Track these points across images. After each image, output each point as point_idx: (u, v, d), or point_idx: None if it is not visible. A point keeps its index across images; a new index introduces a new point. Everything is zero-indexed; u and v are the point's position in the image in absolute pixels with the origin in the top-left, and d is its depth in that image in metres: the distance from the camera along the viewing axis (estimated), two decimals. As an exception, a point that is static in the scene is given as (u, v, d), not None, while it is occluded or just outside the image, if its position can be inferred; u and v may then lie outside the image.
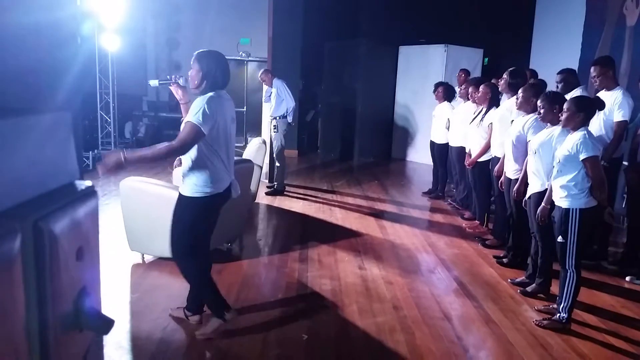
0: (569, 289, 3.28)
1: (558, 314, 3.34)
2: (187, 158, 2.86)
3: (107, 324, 1.26)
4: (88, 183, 1.33)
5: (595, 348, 3.12)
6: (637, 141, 4.19)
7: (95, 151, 8.38)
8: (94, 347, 1.36)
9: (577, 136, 3.20)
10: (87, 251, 1.23)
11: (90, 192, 1.29)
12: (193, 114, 2.72)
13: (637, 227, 4.28)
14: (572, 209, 3.21)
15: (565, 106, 3.29)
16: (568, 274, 3.28)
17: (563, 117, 3.28)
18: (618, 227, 4.67)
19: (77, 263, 1.17)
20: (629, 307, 3.73)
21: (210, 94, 2.80)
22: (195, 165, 2.83)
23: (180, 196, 2.92)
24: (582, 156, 3.14)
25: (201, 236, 3.03)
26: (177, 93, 3.05)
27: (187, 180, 2.88)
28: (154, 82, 3.14)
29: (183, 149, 2.74)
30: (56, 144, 1.21)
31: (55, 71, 1.26)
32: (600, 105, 3.37)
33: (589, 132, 3.25)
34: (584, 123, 3.25)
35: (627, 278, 4.23)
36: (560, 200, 3.27)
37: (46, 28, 1.23)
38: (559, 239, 3.27)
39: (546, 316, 3.43)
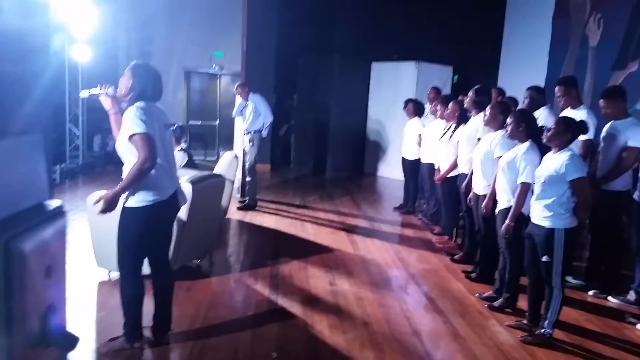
0: (555, 305, 3.31)
1: (542, 330, 3.37)
2: (127, 169, 2.86)
3: (72, 341, 1.26)
4: (57, 203, 1.33)
5: (560, 362, 3.18)
6: (597, 159, 4.32)
7: (63, 164, 8.21)
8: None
9: (563, 157, 3.21)
10: (55, 269, 1.23)
11: (59, 212, 1.29)
12: (131, 125, 2.74)
13: (599, 242, 4.39)
14: (557, 229, 3.23)
15: (552, 123, 3.34)
16: (554, 291, 3.31)
17: (549, 134, 3.30)
18: (582, 243, 4.78)
19: (45, 281, 1.16)
20: (592, 321, 3.81)
21: (138, 103, 2.83)
22: None
23: (124, 208, 2.89)
24: (570, 177, 3.17)
25: (149, 248, 3.03)
26: (106, 102, 3.04)
27: (128, 192, 2.86)
28: (84, 93, 3.11)
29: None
30: (27, 166, 1.21)
31: (25, 89, 1.25)
32: (584, 130, 3.37)
33: (574, 153, 3.29)
34: (569, 143, 3.28)
35: (591, 292, 4.32)
36: (544, 219, 3.28)
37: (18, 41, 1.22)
38: (545, 258, 3.28)
39: (522, 333, 3.47)
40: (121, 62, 10.49)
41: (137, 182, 2.77)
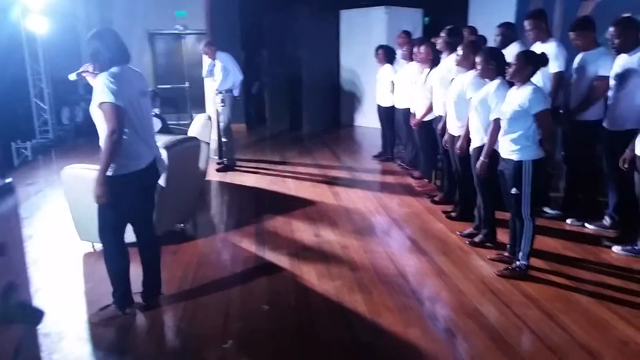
0: (527, 237, 3.42)
1: (517, 262, 3.48)
2: (102, 135, 2.84)
3: (37, 316, 1.26)
4: (6, 180, 1.30)
5: (541, 288, 3.31)
6: (569, 90, 4.36)
7: (33, 140, 8.00)
8: (27, 339, 1.35)
9: (526, 91, 3.26)
10: (10, 246, 1.21)
11: (8, 189, 1.26)
12: (100, 94, 2.71)
13: (574, 172, 4.49)
14: (525, 161, 3.30)
15: (513, 59, 3.35)
16: (525, 223, 3.41)
17: (510, 70, 3.33)
18: (558, 174, 4.89)
19: (1, 259, 1.14)
20: (570, 248, 3.95)
21: (112, 69, 2.77)
22: None
23: None
24: (534, 110, 3.22)
25: (132, 217, 3.04)
26: (91, 80, 3.00)
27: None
28: (72, 76, 3.13)
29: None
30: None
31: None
32: (544, 61, 3.42)
33: (536, 86, 3.33)
34: (531, 77, 3.32)
35: (568, 221, 4.45)
36: (512, 153, 3.35)
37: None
38: (513, 190, 3.37)
39: (503, 266, 3.56)
40: (81, 32, 10.10)
41: (113, 155, 2.74)
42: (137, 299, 3.16)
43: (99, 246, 3.97)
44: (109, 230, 2.97)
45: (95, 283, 3.52)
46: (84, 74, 3.06)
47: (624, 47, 3.86)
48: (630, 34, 3.84)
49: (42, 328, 2.92)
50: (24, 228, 4.54)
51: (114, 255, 3.02)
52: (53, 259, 3.97)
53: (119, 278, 3.05)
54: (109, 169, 2.80)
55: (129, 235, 3.08)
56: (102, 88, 2.70)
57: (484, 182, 3.81)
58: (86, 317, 3.10)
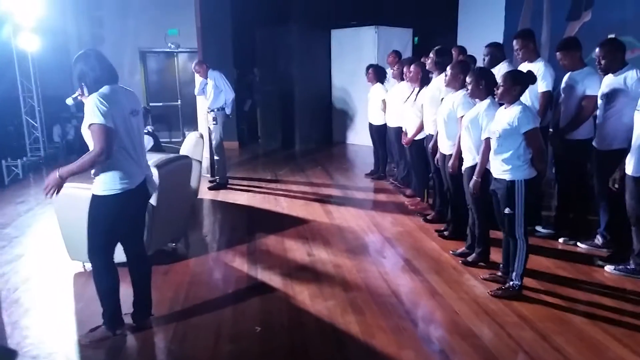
0: (520, 256, 3.40)
1: (511, 282, 3.46)
2: None
3: (9, 356, 1.23)
4: None
5: (534, 308, 3.30)
6: (559, 109, 4.41)
7: (24, 158, 7.95)
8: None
9: (515, 110, 3.27)
10: None
11: None
12: (90, 115, 2.69)
13: (566, 190, 4.52)
14: (517, 180, 3.31)
15: (500, 80, 3.37)
16: (518, 243, 3.40)
17: (499, 91, 3.35)
18: (550, 192, 4.92)
19: None
20: (563, 267, 3.95)
21: (102, 89, 2.77)
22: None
23: (93, 196, 2.86)
24: (523, 129, 3.23)
25: (122, 237, 3.01)
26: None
27: (96, 179, 2.84)
28: (69, 101, 3.14)
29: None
30: None
31: None
32: (532, 79, 3.45)
33: (525, 105, 3.36)
34: (519, 96, 3.34)
35: (561, 240, 4.47)
36: (504, 173, 3.35)
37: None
38: (507, 210, 3.36)
39: (497, 285, 3.56)
40: (73, 50, 10.12)
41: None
42: (128, 319, 3.12)
43: (89, 266, 3.91)
44: (99, 250, 2.93)
45: (85, 303, 3.47)
46: (79, 97, 3.06)
47: (610, 68, 3.94)
48: (616, 54, 3.92)
49: (31, 350, 2.90)
50: (15, 247, 4.51)
51: (103, 276, 2.98)
52: (43, 279, 3.92)
53: (109, 298, 3.01)
54: (102, 189, 2.80)
55: (119, 255, 3.04)
56: (91, 109, 2.69)
57: (477, 201, 3.82)
58: (76, 339, 3.05)
